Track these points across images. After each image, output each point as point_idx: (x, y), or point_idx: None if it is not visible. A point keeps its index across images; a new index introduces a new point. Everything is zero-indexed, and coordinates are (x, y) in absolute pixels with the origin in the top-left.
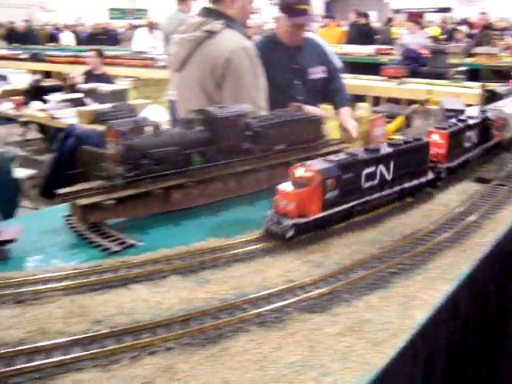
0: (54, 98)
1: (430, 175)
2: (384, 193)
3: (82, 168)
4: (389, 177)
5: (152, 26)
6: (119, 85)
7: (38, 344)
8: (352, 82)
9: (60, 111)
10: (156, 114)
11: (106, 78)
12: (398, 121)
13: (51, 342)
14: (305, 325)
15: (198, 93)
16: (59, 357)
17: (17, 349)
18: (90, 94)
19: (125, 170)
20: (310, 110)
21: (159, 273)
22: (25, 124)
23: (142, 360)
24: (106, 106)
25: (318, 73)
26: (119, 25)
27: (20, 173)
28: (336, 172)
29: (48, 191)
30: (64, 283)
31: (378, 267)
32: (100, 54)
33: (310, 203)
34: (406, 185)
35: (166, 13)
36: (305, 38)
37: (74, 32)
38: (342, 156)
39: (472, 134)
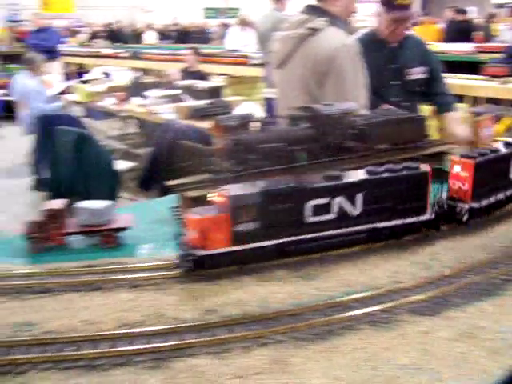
0: (152, 94)
1: (428, 215)
2: (344, 231)
3: (179, 162)
4: (355, 211)
5: (245, 24)
6: (213, 82)
7: (156, 328)
8: (449, 82)
9: (158, 107)
10: (250, 111)
11: (201, 75)
12: (508, 121)
13: (167, 326)
14: (416, 327)
15: (298, 90)
16: (175, 341)
17: (137, 330)
18: (187, 90)
19: (232, 165)
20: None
21: (266, 267)
22: (124, 119)
23: (253, 351)
24: (203, 103)
25: (417, 73)
26: (213, 24)
27: (120, 165)
28: (254, 200)
29: (145, 183)
30: (175, 271)
31: (491, 273)
32: (197, 52)
33: (216, 234)
34: (383, 224)
35: (257, 11)
36: (405, 36)
37: (163, 32)
38: (281, 181)
39: None
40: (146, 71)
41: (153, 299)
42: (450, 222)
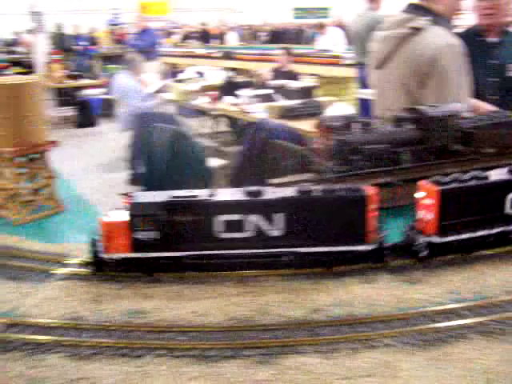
0: (245, 93)
1: (366, 245)
2: (260, 251)
3: (272, 161)
4: (276, 232)
5: (336, 25)
6: (305, 82)
7: (264, 323)
8: None
9: (250, 106)
10: (343, 111)
11: (292, 75)
12: None
13: (276, 322)
14: None
15: (398, 90)
16: (284, 338)
17: (245, 324)
18: (279, 90)
19: (335, 165)
20: (482, 105)
21: (371, 269)
22: (215, 117)
23: (361, 353)
24: (295, 103)
25: None
26: (303, 24)
27: (212, 162)
28: (152, 210)
29: (236, 181)
30: (280, 270)
31: None
32: (289, 52)
33: (118, 239)
34: (307, 249)
35: (349, 11)
36: (506, 31)
37: (253, 32)
38: (193, 194)
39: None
40: (237, 71)
41: (257, 295)
42: (405, 256)
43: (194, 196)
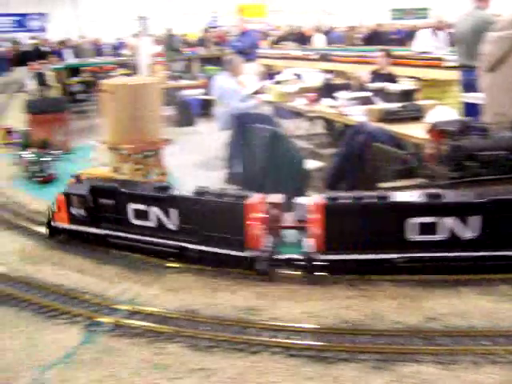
0: (343, 95)
1: (245, 252)
2: (160, 241)
3: (371, 164)
4: (172, 226)
5: (437, 26)
6: (405, 85)
7: (379, 328)
8: None
9: (348, 108)
10: (445, 115)
11: (391, 78)
12: None
13: (391, 328)
14: None
15: None
16: (400, 345)
17: (361, 329)
18: (378, 92)
19: (449, 171)
20: None
21: (488, 280)
22: (312, 119)
23: (483, 367)
24: (395, 106)
25: None
26: (399, 25)
27: (309, 164)
28: (82, 192)
29: (332, 183)
30: (392, 276)
31: None
32: (388, 54)
33: (61, 212)
34: (191, 246)
35: (450, 11)
36: None
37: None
38: (107, 180)
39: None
40: (335, 73)
41: (369, 299)
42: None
43: (111, 184)
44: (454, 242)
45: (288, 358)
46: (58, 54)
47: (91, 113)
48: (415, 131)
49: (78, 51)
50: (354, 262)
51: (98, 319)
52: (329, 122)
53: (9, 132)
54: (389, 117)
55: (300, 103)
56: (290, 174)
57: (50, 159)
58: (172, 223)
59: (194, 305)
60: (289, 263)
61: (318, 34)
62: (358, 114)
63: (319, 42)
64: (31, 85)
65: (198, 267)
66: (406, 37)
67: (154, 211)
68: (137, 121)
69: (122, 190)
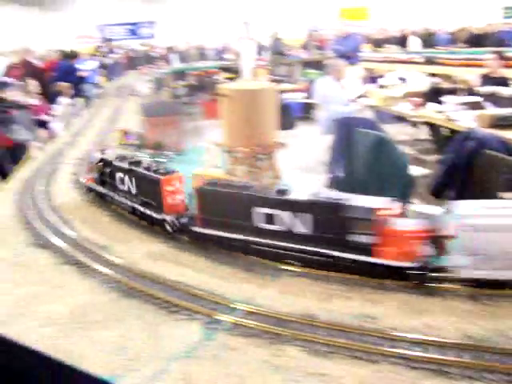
0: (450, 100)
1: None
2: (128, 202)
3: (479, 172)
4: (133, 190)
5: None
6: None
7: (507, 347)
8: None
9: (457, 114)
10: None
11: (503, 82)
12: None
13: None
14: None
15: None
16: None
17: (484, 345)
18: (490, 97)
19: None
20: None
21: None
22: (416, 124)
23: None
24: (507, 111)
25: None
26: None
27: (414, 170)
28: (95, 161)
29: (437, 190)
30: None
31: None
32: (501, 57)
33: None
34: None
35: None
36: None
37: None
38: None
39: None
40: (441, 76)
41: (493, 315)
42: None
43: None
44: (289, 234)
45: (409, 370)
46: (165, 59)
47: (196, 115)
48: None
49: (183, 56)
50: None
51: (217, 317)
52: (434, 128)
53: (125, 133)
54: (501, 123)
55: (404, 108)
56: (394, 180)
57: (163, 160)
58: (133, 188)
59: (310, 309)
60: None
61: (412, 36)
62: (466, 120)
63: (414, 44)
64: (144, 88)
65: (313, 271)
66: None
67: (127, 180)
68: (252, 124)
69: (115, 163)
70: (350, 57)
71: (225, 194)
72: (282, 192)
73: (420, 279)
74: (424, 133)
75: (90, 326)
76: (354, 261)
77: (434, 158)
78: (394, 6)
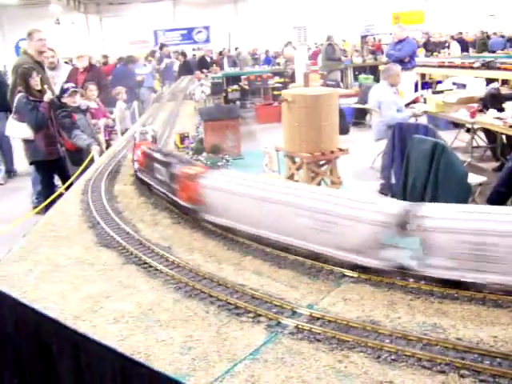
0: (511, 106)
1: None
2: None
3: None
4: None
5: None
6: None
7: None
8: None
9: None
10: None
11: None
12: None
13: None
14: None
15: None
16: None
17: None
18: None
19: None
20: None
21: None
22: (473, 131)
23: None
24: None
25: None
26: None
27: (471, 178)
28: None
29: (496, 200)
30: None
31: None
32: None
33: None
34: None
35: None
36: None
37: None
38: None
39: None
40: (500, 82)
41: None
42: None
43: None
44: (164, 182)
45: (477, 383)
46: (219, 63)
47: (249, 119)
48: None
49: (236, 61)
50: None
51: (281, 321)
52: (492, 135)
53: (183, 137)
54: None
55: (461, 114)
56: (450, 187)
57: (222, 163)
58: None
59: (373, 316)
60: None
61: (453, 41)
62: None
63: (456, 49)
64: (198, 92)
65: (375, 278)
66: None
67: (162, 169)
68: (314, 130)
69: (154, 155)
70: (404, 62)
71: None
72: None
73: None
74: (481, 140)
75: (156, 325)
76: (173, 200)
77: (492, 165)
78: (449, 9)
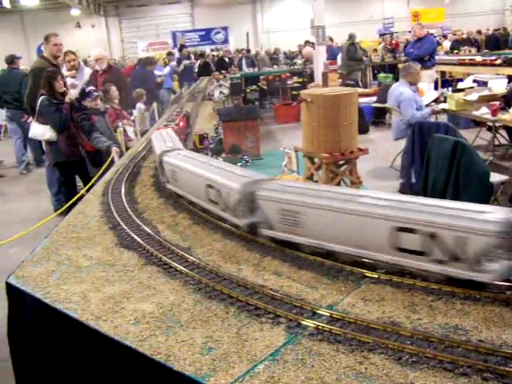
0: None
1: None
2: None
3: None
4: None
5: None
6: None
7: None
8: None
9: None
10: None
11: None
12: None
13: None
14: None
15: None
16: None
17: None
18: None
19: None
20: None
21: None
22: (494, 129)
23: None
24: None
25: None
26: None
27: (493, 177)
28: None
29: None
30: None
31: None
32: None
33: None
34: None
35: None
36: None
37: None
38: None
39: None
40: None
41: None
42: None
43: None
44: None
45: None
46: (237, 64)
47: (267, 119)
48: None
49: (255, 61)
50: None
51: (301, 322)
52: None
53: (202, 138)
54: None
55: (482, 112)
56: (472, 186)
57: (241, 164)
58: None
59: (394, 317)
60: None
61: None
62: None
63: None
64: (217, 93)
65: (396, 279)
66: None
67: None
68: (333, 130)
69: None
70: (424, 60)
71: None
72: None
73: None
74: (503, 138)
75: (176, 326)
76: None
77: None
78: (471, 6)
